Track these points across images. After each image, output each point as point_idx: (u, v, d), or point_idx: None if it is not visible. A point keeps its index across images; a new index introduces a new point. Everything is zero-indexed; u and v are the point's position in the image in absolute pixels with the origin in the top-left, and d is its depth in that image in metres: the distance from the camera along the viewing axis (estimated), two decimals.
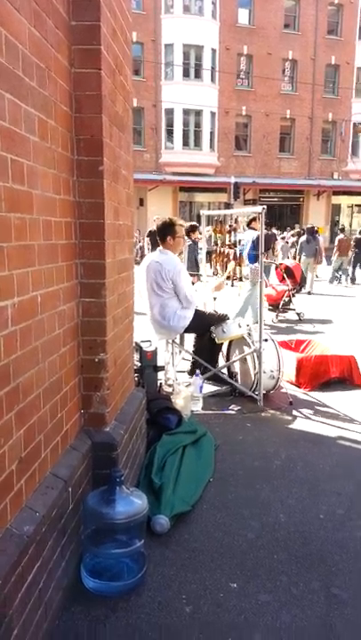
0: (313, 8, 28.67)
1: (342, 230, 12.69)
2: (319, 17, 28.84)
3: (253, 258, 8.01)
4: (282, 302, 9.38)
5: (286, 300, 9.43)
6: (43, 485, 2.05)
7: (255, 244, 7.94)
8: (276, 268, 10.22)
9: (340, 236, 15.41)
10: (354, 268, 15.41)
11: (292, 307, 9.58)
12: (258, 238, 8.54)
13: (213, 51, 26.75)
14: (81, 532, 2.36)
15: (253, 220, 8.23)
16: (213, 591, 2.32)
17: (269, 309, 9.32)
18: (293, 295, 9.72)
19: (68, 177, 2.32)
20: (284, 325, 8.84)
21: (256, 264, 8.12)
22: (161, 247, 4.74)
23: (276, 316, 9.26)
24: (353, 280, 15.30)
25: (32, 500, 1.94)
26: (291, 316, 9.50)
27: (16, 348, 1.82)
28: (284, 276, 9.81)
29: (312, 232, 13.44)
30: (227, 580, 2.39)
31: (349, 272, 15.26)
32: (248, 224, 8.47)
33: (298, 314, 9.38)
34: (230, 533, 2.76)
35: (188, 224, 8.70)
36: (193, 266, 7.53)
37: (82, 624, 2.10)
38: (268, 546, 2.66)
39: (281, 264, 10.36)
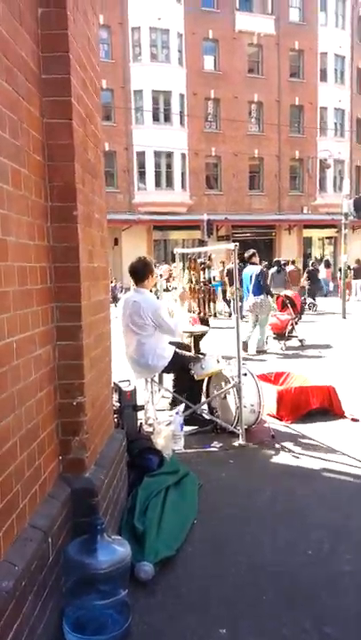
0: (275, 54, 30.10)
1: (320, 260, 13.22)
2: (281, 61, 30.26)
3: (259, 291, 8.92)
4: (287, 330, 9.93)
5: (290, 328, 9.96)
6: (21, 537, 1.99)
7: (259, 278, 8.44)
8: (277, 298, 10.64)
9: (290, 267, 16.51)
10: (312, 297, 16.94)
11: (294, 334, 10.08)
12: (261, 273, 9.12)
13: (182, 95, 27.71)
14: (62, 584, 2.28)
15: (253, 255, 9.15)
16: (203, 638, 2.25)
17: (274, 338, 9.97)
18: (296, 323, 10.19)
19: (42, 223, 2.35)
20: (290, 352, 9.46)
21: (262, 296, 8.51)
22: (135, 287, 4.79)
23: (285, 343, 9.77)
24: (312, 307, 16.58)
25: (10, 554, 1.88)
26: (292, 343, 10.05)
27: None
28: (288, 304, 10.22)
29: (279, 264, 14.44)
30: (216, 626, 2.32)
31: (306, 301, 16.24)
32: (248, 259, 9.33)
33: (300, 340, 10.04)
34: (217, 576, 2.70)
35: (250, 251, 9.53)
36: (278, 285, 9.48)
37: None
38: (257, 586, 2.61)
39: (280, 295, 10.67)
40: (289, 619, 2.37)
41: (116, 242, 26.84)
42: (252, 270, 9.19)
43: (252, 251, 9.44)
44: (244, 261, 9.33)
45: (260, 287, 9.11)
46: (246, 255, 9.34)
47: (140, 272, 4.76)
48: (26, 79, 2.20)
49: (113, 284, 18.83)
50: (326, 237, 33.15)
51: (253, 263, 9.20)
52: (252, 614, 2.40)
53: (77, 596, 2.27)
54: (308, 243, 32.46)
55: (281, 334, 9.89)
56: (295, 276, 16.36)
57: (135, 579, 2.57)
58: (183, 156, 27.91)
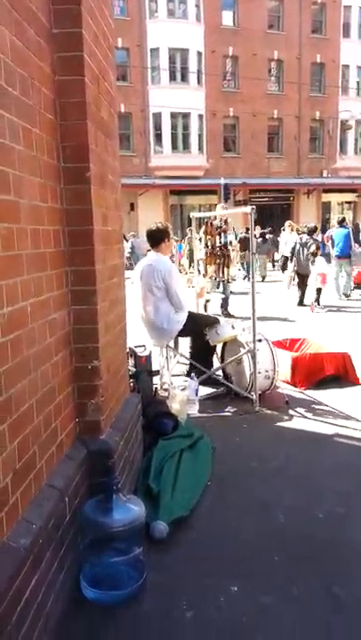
0: (296, 7, 28.80)
1: (341, 222, 12.63)
2: (303, 16, 28.98)
3: (347, 249, 11.27)
4: None
5: None
6: (39, 497, 2.04)
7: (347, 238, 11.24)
8: None
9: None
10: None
11: None
12: (349, 233, 11.19)
13: (199, 53, 26.82)
14: (79, 542, 2.35)
15: (344, 219, 11.99)
16: (214, 595, 2.31)
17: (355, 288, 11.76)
18: None
19: (54, 185, 2.31)
20: None
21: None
22: (152, 251, 4.77)
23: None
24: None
25: (28, 513, 1.92)
26: None
27: (7, 358, 1.80)
28: None
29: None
30: (227, 584, 2.38)
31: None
32: (340, 223, 11.71)
33: None
34: (230, 536, 2.75)
35: (340, 216, 12.52)
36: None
37: (83, 635, 2.08)
38: (268, 547, 2.65)
39: None
40: (299, 579, 2.41)
41: (133, 207, 26.60)
42: (343, 231, 11.41)
43: (342, 216, 12.56)
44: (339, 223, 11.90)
45: (348, 245, 11.30)
46: (339, 219, 12.23)
47: (156, 237, 4.75)
48: (36, 34, 2.12)
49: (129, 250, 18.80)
50: (346, 202, 32.38)
51: (344, 226, 11.58)
52: (262, 573, 2.45)
53: (94, 554, 2.34)
54: (326, 207, 31.75)
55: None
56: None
57: (150, 537, 2.63)
58: (200, 117, 27.23)
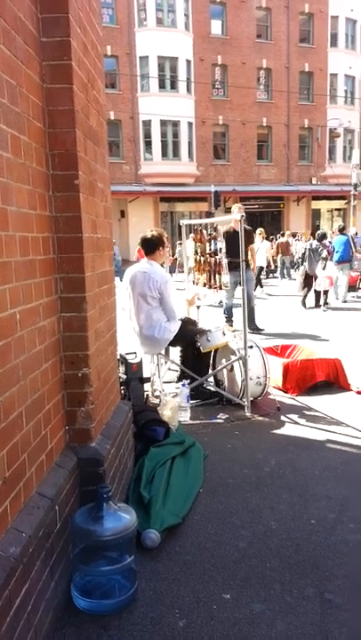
0: (284, 17, 29.18)
1: (342, 230, 12.94)
2: (291, 26, 29.35)
3: (347, 255, 11.80)
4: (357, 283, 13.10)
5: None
6: (28, 505, 2.02)
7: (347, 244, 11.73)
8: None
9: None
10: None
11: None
12: (348, 240, 11.70)
13: (188, 62, 27.04)
14: (70, 551, 2.33)
15: (344, 227, 12.73)
16: (206, 603, 2.30)
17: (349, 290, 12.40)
18: None
19: (43, 192, 2.31)
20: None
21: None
22: (146, 258, 4.76)
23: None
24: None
25: (18, 521, 1.91)
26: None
27: None
28: None
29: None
30: (220, 592, 2.37)
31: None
32: (340, 231, 12.50)
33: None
34: (222, 544, 2.74)
35: (341, 224, 13.62)
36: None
37: None
38: (261, 554, 2.65)
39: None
40: (292, 585, 2.41)
41: (123, 214, 26.64)
42: (342, 238, 11.95)
43: (342, 224, 13.50)
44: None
45: (348, 251, 11.84)
46: (340, 227, 12.97)
47: (151, 244, 4.73)
48: (24, 42, 2.13)
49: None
50: (336, 209, 32.67)
51: (343, 234, 12.17)
52: (255, 581, 2.44)
53: (85, 562, 2.31)
54: (316, 215, 32.03)
55: (353, 286, 13.06)
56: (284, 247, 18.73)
57: (142, 546, 2.61)
58: (190, 124, 27.40)
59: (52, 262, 2.41)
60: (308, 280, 11.31)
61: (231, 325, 7.67)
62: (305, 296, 11.42)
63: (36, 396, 2.17)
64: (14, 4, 2.01)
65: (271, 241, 19.12)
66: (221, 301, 8.99)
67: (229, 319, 8.43)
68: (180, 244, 6.61)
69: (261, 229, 15.14)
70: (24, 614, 1.82)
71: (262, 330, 8.47)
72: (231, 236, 7.60)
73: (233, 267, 7.35)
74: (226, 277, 9.39)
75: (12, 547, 1.78)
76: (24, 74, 2.11)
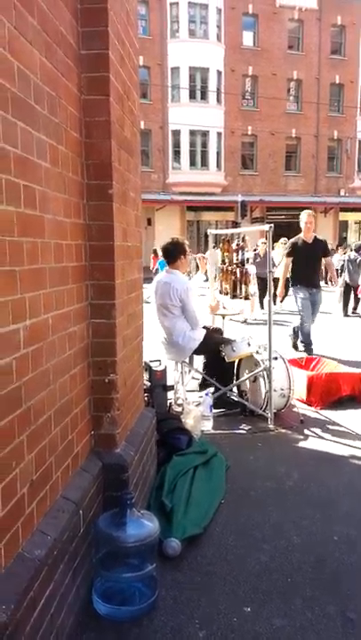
0: (316, 29, 29.14)
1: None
2: (323, 37, 29.30)
3: None
4: None
5: None
6: (54, 509, 2.05)
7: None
8: None
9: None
10: None
11: None
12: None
13: (219, 72, 27.21)
14: (92, 556, 2.34)
15: None
16: (227, 615, 2.28)
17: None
18: None
19: (78, 200, 2.36)
20: None
21: None
22: (168, 267, 4.78)
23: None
24: None
25: (43, 524, 1.93)
26: None
27: (28, 370, 1.83)
28: None
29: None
30: (240, 604, 2.35)
31: None
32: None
33: None
34: (243, 556, 2.72)
35: None
36: None
37: None
38: (282, 569, 2.62)
39: None
40: (313, 602, 2.37)
41: (150, 222, 26.83)
42: None
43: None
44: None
45: None
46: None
47: (172, 253, 4.75)
48: (65, 55, 2.19)
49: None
50: None
51: None
52: (276, 595, 2.42)
53: (107, 568, 2.33)
54: (343, 226, 31.69)
55: None
56: None
57: (163, 554, 2.62)
58: (219, 134, 27.50)
59: (84, 269, 2.45)
60: (348, 290, 11.93)
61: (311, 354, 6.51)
62: (345, 305, 12.03)
63: (65, 401, 2.20)
64: (57, 18, 2.08)
65: None
66: (258, 319, 8.79)
67: (308, 348, 6.85)
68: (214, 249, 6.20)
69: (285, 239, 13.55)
70: (47, 616, 1.84)
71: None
72: (302, 247, 6.94)
73: (309, 282, 6.79)
74: (253, 288, 9.22)
75: (37, 549, 1.81)
76: (63, 85, 2.17)
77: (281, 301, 11.29)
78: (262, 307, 11.06)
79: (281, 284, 7.40)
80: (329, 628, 2.22)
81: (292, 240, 7.29)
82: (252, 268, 10.28)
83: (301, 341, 7.03)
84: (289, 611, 2.32)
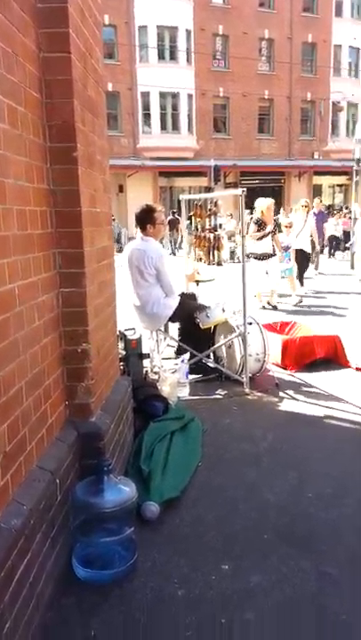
0: None
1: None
2: None
3: None
4: None
5: None
6: (29, 479, 2.04)
7: None
8: None
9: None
10: None
11: None
12: None
13: (188, 32, 26.35)
14: (70, 523, 2.36)
15: None
16: (205, 574, 2.34)
17: None
18: None
19: (41, 164, 2.27)
20: None
21: None
22: (142, 235, 4.70)
23: None
24: None
25: (19, 494, 1.93)
26: None
27: None
28: None
29: None
30: (218, 563, 2.41)
31: None
32: None
33: None
34: (220, 517, 2.78)
35: None
36: None
37: (75, 613, 2.11)
38: (258, 527, 2.69)
39: None
40: (289, 557, 2.45)
41: (121, 189, 26.31)
42: None
43: None
44: None
45: None
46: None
47: (140, 219, 4.66)
48: (21, 9, 2.06)
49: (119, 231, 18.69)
50: (337, 185, 32.28)
51: None
52: (253, 553, 2.49)
53: (86, 534, 2.36)
54: (317, 190, 31.64)
55: None
56: None
57: (141, 518, 2.65)
58: (190, 96, 26.85)
59: (51, 237, 2.38)
60: None
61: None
62: None
63: (36, 371, 2.17)
64: None
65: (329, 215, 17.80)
66: None
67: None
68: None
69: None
70: (26, 584, 1.86)
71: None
72: None
73: None
74: (225, 253, 9.15)
75: (13, 519, 1.81)
76: (20, 42, 2.06)
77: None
78: (302, 284, 9.70)
79: None
80: (304, 582, 2.30)
81: None
82: (287, 240, 9.44)
83: None
84: (265, 567, 2.39)
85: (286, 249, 9.39)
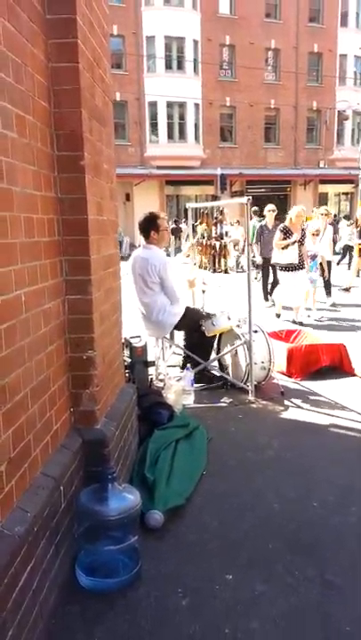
0: None
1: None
2: (300, 5, 28.70)
3: None
4: None
5: None
6: (34, 485, 2.04)
7: None
8: None
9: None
10: None
11: None
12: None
13: (195, 42, 26.56)
14: (74, 531, 2.36)
15: None
16: (209, 583, 2.32)
17: None
18: None
19: (48, 173, 2.29)
20: None
21: None
22: (145, 242, 4.72)
23: None
24: None
25: (23, 501, 1.93)
26: None
27: (1, 347, 1.80)
28: None
29: None
30: (222, 572, 2.40)
31: None
32: None
33: None
34: (225, 525, 2.77)
35: None
36: None
37: (78, 621, 2.10)
38: (263, 535, 2.67)
39: None
40: (293, 566, 2.43)
41: (128, 197, 26.45)
42: None
43: None
44: None
45: None
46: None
47: (143, 227, 4.67)
48: (30, 19, 2.09)
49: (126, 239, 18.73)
50: (343, 193, 32.30)
51: None
52: (257, 562, 2.47)
53: (90, 542, 2.35)
54: (323, 198, 31.67)
55: None
56: None
57: (146, 526, 2.64)
58: (197, 106, 27.01)
59: (58, 244, 2.40)
60: None
61: None
62: None
63: (42, 378, 2.18)
64: None
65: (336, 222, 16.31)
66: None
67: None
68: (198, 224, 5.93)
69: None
70: (29, 591, 1.85)
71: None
72: None
73: None
74: (231, 261, 9.10)
75: (16, 526, 1.81)
76: (29, 52, 2.08)
77: None
78: (329, 294, 9.20)
79: None
80: (309, 591, 2.28)
81: None
82: (314, 248, 8.68)
83: None
84: (270, 576, 2.37)
85: (313, 257, 8.77)
